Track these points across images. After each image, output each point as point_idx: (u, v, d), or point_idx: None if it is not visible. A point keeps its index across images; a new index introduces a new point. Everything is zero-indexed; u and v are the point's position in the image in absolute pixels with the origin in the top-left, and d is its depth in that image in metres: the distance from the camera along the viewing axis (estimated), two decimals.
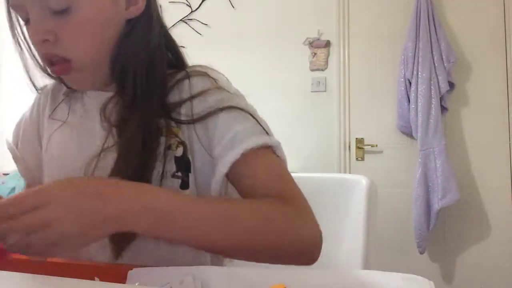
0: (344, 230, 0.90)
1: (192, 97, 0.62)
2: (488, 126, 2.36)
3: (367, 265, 0.83)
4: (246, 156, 0.58)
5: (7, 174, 2.88)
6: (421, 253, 2.33)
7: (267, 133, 0.61)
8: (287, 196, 0.56)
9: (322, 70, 2.64)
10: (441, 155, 2.24)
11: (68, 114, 0.70)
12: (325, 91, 2.63)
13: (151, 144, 0.57)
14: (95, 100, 0.67)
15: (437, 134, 2.27)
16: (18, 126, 0.78)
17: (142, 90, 0.61)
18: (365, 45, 2.56)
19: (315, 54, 2.65)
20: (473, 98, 2.40)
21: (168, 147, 0.61)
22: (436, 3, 2.42)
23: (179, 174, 0.62)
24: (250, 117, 0.61)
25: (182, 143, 0.61)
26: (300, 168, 2.54)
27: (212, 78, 0.64)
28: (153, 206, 0.47)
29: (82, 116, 0.68)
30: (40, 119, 0.75)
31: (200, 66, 0.69)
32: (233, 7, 2.82)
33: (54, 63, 0.59)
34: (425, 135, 2.28)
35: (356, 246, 0.85)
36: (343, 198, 0.92)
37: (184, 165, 0.60)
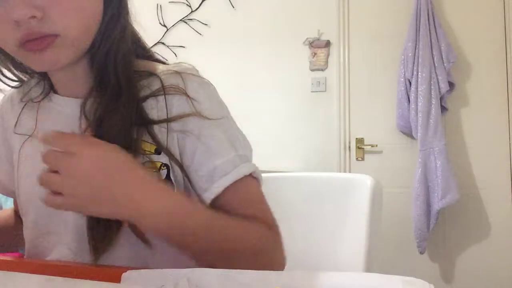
0: (348, 230, 0.89)
1: (169, 120, 0.60)
2: (488, 126, 2.36)
3: (369, 267, 0.82)
4: (228, 189, 0.59)
5: None
6: (421, 253, 2.33)
7: (247, 158, 0.62)
8: (270, 223, 0.60)
9: (322, 70, 2.64)
10: (441, 155, 2.24)
11: (36, 125, 0.65)
12: (325, 91, 2.63)
13: (130, 151, 0.55)
14: (68, 106, 0.63)
15: (437, 134, 2.26)
16: None
17: (123, 77, 0.59)
18: (365, 45, 2.56)
19: (315, 54, 2.64)
20: (473, 98, 2.39)
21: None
22: (436, 3, 2.41)
23: None
24: (228, 146, 0.60)
25: (166, 165, 0.59)
26: (300, 168, 2.54)
27: (190, 99, 0.60)
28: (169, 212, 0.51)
29: (54, 124, 0.63)
30: (8, 133, 0.70)
31: (179, 68, 0.63)
32: (233, 7, 2.82)
33: (34, 39, 0.53)
34: (425, 135, 2.28)
35: (359, 247, 0.84)
36: (347, 198, 0.91)
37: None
